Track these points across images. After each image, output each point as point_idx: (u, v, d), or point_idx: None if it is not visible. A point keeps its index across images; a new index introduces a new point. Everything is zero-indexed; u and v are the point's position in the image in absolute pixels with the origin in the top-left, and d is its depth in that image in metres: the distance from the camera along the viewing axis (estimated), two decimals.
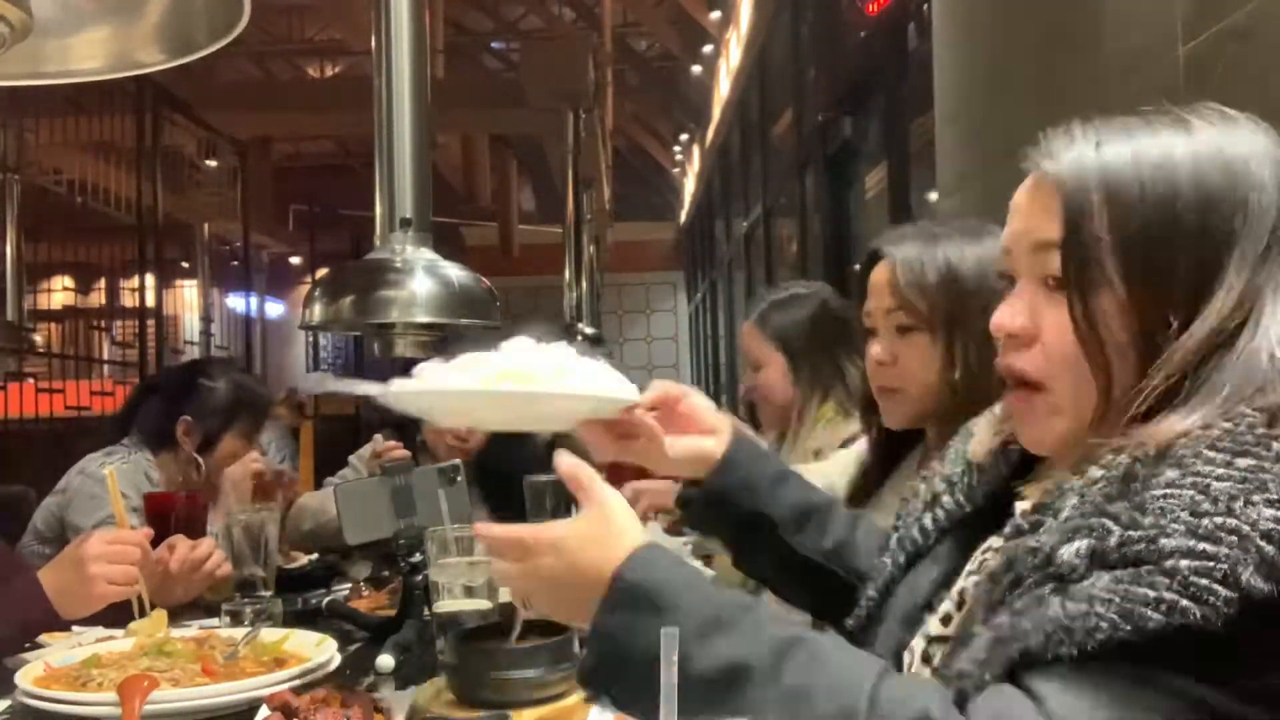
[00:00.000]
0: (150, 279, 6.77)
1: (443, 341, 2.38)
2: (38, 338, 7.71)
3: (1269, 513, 0.69)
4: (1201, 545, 0.69)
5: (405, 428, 2.69)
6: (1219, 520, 0.70)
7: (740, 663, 0.78)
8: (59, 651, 1.50)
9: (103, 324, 8.75)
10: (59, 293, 10.74)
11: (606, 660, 0.84)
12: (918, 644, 0.96)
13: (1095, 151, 0.85)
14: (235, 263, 10.29)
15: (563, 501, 2.45)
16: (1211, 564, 0.69)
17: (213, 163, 9.27)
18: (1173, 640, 0.68)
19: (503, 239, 13.52)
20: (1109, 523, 0.73)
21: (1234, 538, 0.69)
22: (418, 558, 1.69)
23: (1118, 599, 0.70)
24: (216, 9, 1.35)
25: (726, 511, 1.21)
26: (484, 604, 1.56)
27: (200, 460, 2.29)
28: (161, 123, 6.87)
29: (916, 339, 1.48)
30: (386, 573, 2.05)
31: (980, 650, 0.75)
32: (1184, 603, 0.68)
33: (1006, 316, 0.88)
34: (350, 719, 1.16)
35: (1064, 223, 0.84)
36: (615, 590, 0.84)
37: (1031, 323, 0.87)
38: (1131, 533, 0.72)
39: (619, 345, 15.06)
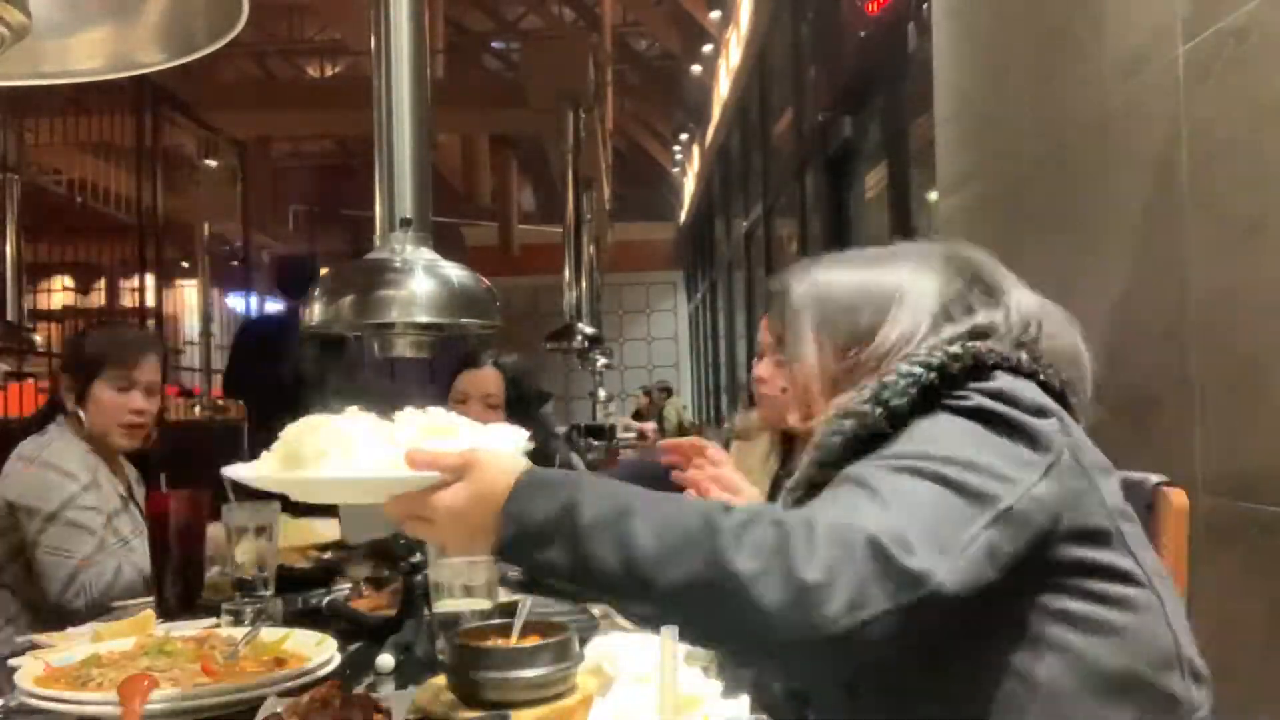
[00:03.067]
0: (150, 279, 6.76)
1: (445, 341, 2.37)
2: (38, 338, 7.72)
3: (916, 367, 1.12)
4: (887, 379, 1.12)
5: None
6: (895, 373, 1.13)
7: (625, 504, 0.99)
8: (59, 652, 1.50)
9: (103, 324, 8.76)
10: (59, 293, 10.75)
11: (517, 532, 1.01)
12: None
13: (815, 270, 1.29)
14: (235, 263, 10.29)
15: None
16: (900, 380, 1.11)
17: (213, 163, 9.26)
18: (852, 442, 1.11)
19: (503, 239, 13.52)
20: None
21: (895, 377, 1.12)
22: (418, 558, 1.69)
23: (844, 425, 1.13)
24: (216, 9, 1.35)
25: None
26: (484, 604, 1.55)
27: (81, 415, 2.31)
28: (161, 123, 6.86)
29: None
30: (386, 573, 2.05)
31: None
32: (866, 407, 1.11)
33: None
34: (350, 719, 1.16)
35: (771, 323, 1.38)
36: (518, 484, 1.02)
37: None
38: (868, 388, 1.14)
39: (619, 345, 15.06)
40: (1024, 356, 1.14)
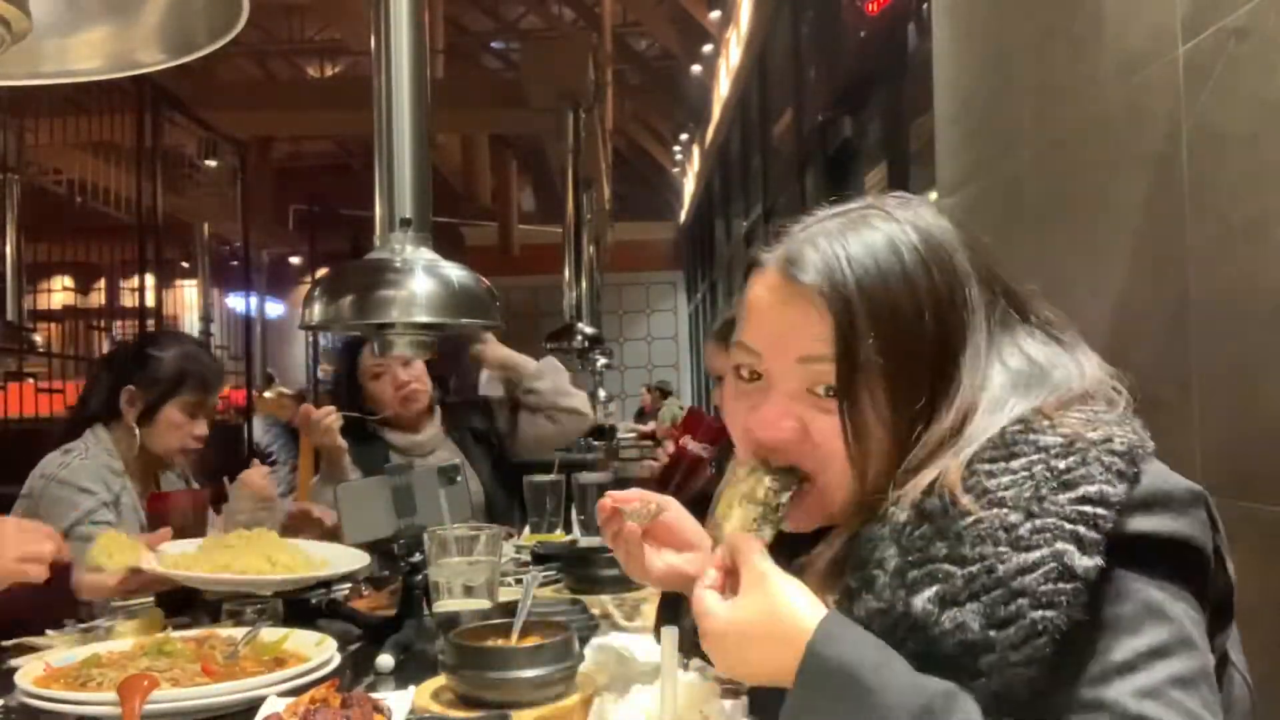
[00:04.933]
0: (150, 279, 6.75)
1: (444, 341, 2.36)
2: (38, 338, 7.72)
3: (1062, 498, 0.79)
4: (1028, 557, 0.77)
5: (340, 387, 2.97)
6: (1029, 525, 0.78)
7: (927, 701, 0.76)
8: (59, 651, 1.50)
9: (103, 324, 8.75)
10: (59, 293, 10.74)
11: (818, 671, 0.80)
12: None
13: (846, 266, 0.92)
14: (235, 263, 10.28)
15: (560, 500, 2.49)
16: (1044, 568, 0.77)
17: (213, 163, 9.26)
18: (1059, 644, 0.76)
19: (503, 239, 13.53)
20: (946, 566, 0.80)
21: (1048, 534, 0.77)
22: (418, 558, 1.69)
23: (1008, 649, 0.76)
24: (216, 9, 1.35)
25: None
26: (484, 604, 1.56)
27: (137, 430, 2.25)
28: (161, 123, 6.85)
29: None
30: (386, 573, 2.05)
31: None
32: (1048, 614, 0.76)
33: (778, 425, 0.95)
34: (350, 719, 1.16)
35: (837, 344, 0.90)
36: (808, 666, 0.80)
37: (801, 426, 0.94)
38: (970, 569, 0.79)
39: (619, 345, 15.06)
40: (1137, 423, 0.87)
